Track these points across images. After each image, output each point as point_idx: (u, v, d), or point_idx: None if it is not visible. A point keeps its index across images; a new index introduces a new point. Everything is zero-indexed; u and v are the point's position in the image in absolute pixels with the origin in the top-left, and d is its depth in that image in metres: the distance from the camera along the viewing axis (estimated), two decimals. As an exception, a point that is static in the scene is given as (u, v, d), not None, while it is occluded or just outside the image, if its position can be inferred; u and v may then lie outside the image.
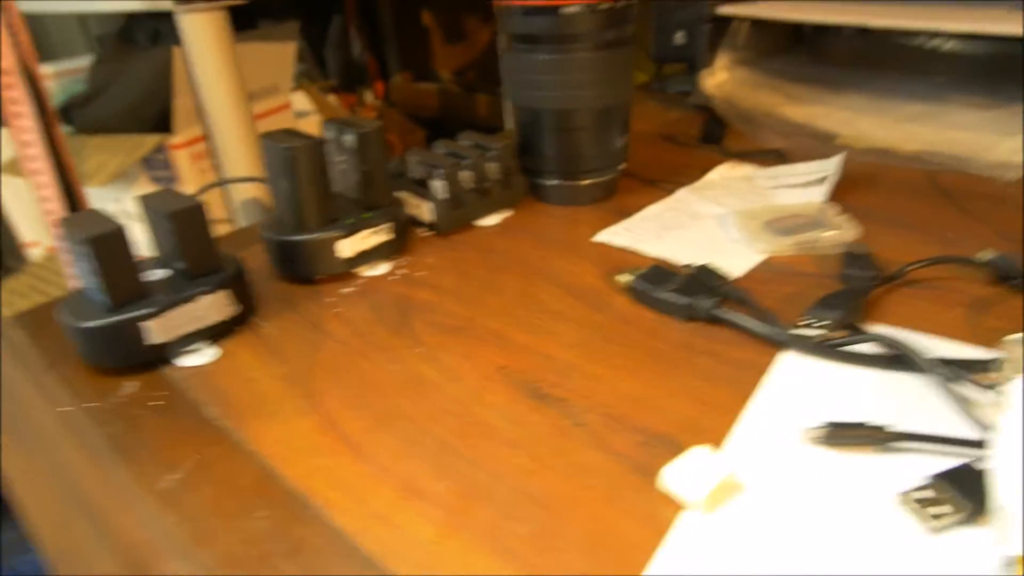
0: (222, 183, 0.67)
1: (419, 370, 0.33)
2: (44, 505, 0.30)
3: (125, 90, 0.80)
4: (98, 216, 0.33)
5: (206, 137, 0.80)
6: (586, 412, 0.29)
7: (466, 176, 0.45)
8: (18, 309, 0.91)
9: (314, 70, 1.29)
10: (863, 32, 0.79)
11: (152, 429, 0.30)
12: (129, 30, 0.86)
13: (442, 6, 1.35)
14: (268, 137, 0.39)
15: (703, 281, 0.36)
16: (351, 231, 0.40)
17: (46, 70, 0.53)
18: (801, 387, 0.30)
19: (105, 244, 0.31)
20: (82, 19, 1.33)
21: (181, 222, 0.34)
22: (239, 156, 0.72)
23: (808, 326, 0.32)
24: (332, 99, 1.28)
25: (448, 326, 0.36)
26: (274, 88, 0.90)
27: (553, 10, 0.42)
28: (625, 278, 0.37)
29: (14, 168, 0.85)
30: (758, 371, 0.31)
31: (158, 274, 0.35)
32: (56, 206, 0.56)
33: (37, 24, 0.52)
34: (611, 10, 0.42)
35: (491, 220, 0.47)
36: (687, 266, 0.38)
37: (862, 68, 0.70)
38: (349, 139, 0.40)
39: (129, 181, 0.83)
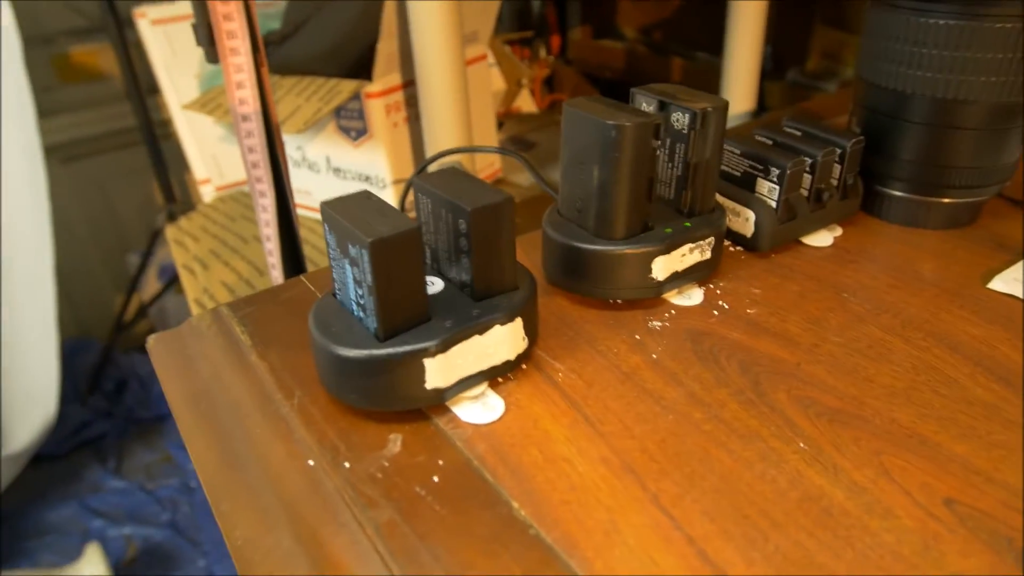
0: (464, 150, 0.58)
1: (815, 485, 0.22)
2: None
3: (326, 29, 0.72)
4: (375, 202, 0.24)
5: (405, 86, 0.72)
6: None
7: (806, 179, 0.33)
8: (191, 253, 0.88)
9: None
10: None
11: (438, 527, 0.21)
12: (332, -38, 0.79)
13: (636, -44, 1.22)
14: (574, 106, 0.28)
15: None
16: (670, 245, 0.29)
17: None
18: None
19: (391, 251, 0.22)
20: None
21: (481, 222, 0.24)
22: (446, 109, 0.63)
23: None
24: (508, 51, 1.18)
25: (827, 407, 0.25)
26: (474, 36, 0.80)
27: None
28: (1101, 368, 0.25)
29: (195, 105, 0.80)
30: None
31: (433, 285, 0.26)
32: (261, 156, 0.49)
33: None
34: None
35: (819, 239, 0.35)
36: None
37: None
38: (679, 118, 0.30)
39: (316, 129, 0.76)
